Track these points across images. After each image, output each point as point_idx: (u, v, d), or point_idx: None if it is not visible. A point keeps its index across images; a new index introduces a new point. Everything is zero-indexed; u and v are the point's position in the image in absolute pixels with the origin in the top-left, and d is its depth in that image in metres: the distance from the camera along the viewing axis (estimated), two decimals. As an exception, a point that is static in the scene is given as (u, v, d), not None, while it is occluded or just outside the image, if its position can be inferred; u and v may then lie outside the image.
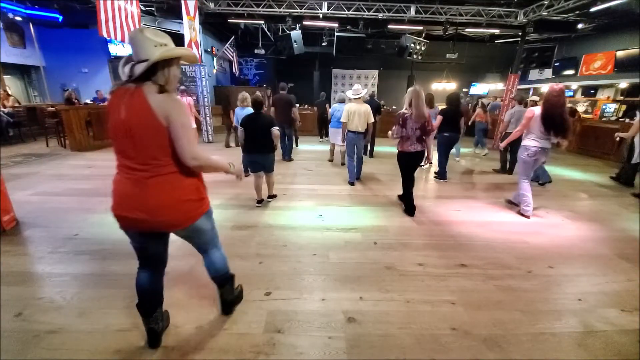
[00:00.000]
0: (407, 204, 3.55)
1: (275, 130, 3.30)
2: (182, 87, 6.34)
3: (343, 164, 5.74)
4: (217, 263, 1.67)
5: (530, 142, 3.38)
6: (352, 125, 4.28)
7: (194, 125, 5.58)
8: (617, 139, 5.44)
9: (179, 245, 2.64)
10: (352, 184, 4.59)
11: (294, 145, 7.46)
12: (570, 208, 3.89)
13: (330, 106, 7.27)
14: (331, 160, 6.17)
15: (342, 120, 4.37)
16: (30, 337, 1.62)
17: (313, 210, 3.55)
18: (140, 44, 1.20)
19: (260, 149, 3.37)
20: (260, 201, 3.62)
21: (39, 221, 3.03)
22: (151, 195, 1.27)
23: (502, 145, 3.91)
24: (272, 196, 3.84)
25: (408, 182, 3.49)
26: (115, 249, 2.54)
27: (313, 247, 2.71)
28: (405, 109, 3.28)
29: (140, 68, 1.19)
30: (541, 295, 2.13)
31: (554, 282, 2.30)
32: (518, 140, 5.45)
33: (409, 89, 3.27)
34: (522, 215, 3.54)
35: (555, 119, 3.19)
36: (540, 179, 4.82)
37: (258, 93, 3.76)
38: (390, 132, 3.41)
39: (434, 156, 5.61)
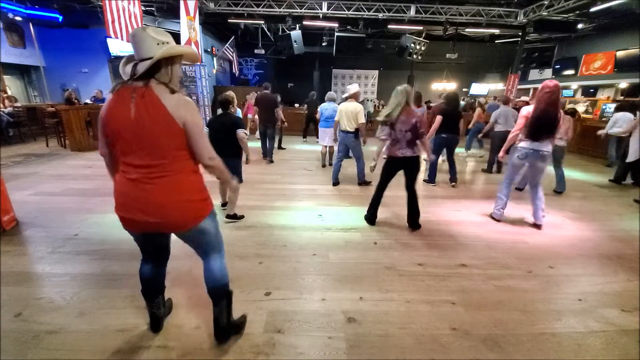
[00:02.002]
0: (370, 214, 3.24)
1: (241, 132, 2.88)
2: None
3: (331, 164, 5.58)
4: (216, 272, 1.52)
5: (522, 144, 3.11)
6: (341, 124, 4.29)
7: None
8: (602, 136, 5.45)
9: (179, 245, 2.64)
10: (334, 184, 4.54)
11: (276, 146, 7.31)
12: (570, 208, 3.89)
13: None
14: (324, 166, 5.69)
15: (335, 119, 4.39)
16: (30, 338, 1.62)
17: (313, 210, 3.55)
18: (142, 42, 1.20)
19: (221, 152, 2.54)
20: (224, 204, 3.35)
21: (38, 221, 3.03)
22: (157, 195, 1.26)
23: (501, 154, 3.37)
24: (231, 216, 3.13)
25: (381, 192, 3.16)
26: (115, 249, 2.54)
27: (313, 247, 2.70)
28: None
29: (143, 66, 1.19)
30: (541, 295, 2.13)
31: (554, 282, 2.30)
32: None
33: (398, 88, 2.91)
34: (492, 217, 3.42)
35: (542, 120, 2.88)
36: (557, 187, 4.52)
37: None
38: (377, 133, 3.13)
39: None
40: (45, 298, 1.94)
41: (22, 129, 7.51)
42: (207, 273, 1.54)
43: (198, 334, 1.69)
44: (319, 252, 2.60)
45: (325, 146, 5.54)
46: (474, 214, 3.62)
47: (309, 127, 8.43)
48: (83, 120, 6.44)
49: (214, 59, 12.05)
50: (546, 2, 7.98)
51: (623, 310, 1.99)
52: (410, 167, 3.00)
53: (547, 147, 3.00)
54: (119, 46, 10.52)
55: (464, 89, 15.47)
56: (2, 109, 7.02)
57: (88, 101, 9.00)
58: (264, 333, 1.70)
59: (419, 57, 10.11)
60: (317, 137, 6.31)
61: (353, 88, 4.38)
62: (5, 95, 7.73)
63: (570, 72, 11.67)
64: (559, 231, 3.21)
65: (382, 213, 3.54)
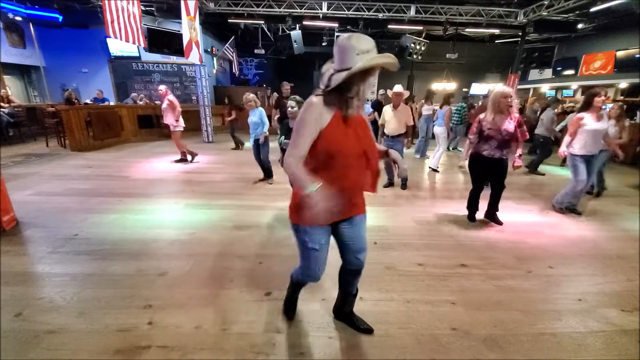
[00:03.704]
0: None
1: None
2: (162, 86, 5.54)
3: None
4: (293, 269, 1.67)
5: None
6: None
7: (179, 128, 5.37)
8: None
9: (176, 245, 2.65)
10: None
11: None
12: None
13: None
14: None
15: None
16: (30, 337, 1.62)
17: (313, 210, 3.54)
18: (342, 51, 1.14)
19: None
20: None
21: (39, 221, 3.03)
22: None
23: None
24: None
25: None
26: (115, 249, 2.55)
27: (313, 247, 2.70)
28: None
29: (337, 78, 1.14)
30: (541, 295, 2.13)
31: (554, 282, 2.30)
32: (545, 143, 5.47)
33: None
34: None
35: None
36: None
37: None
38: None
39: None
40: (45, 298, 1.94)
41: (22, 129, 7.52)
42: None
43: (198, 333, 1.69)
44: (319, 252, 2.60)
45: None
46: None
47: None
48: (83, 120, 6.45)
49: (214, 59, 12.05)
50: (546, 2, 7.98)
51: (623, 310, 1.99)
52: None
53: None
54: (119, 46, 10.52)
55: (464, 89, 15.46)
56: (2, 109, 7.02)
57: (88, 101, 9.01)
58: (264, 333, 1.70)
59: (419, 57, 10.10)
60: None
61: (394, 89, 4.13)
62: (4, 91, 7.75)
63: (570, 72, 11.66)
64: (559, 231, 3.21)
65: (382, 214, 3.54)
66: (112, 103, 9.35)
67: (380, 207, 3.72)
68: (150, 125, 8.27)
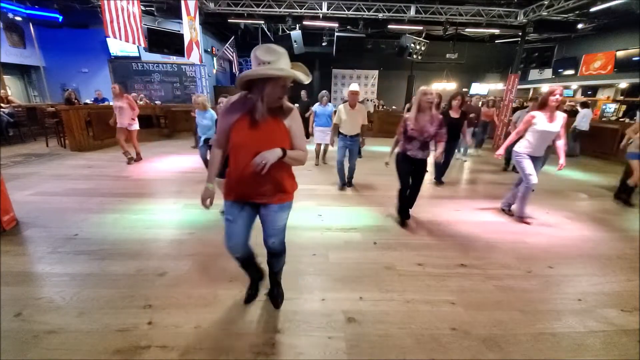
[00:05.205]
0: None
1: None
2: (115, 85, 5.45)
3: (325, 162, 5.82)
4: None
5: None
6: None
7: (136, 126, 5.48)
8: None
9: (176, 245, 2.65)
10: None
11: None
12: (570, 208, 3.88)
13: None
14: (317, 164, 5.78)
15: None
16: (30, 337, 1.62)
17: (313, 210, 3.54)
18: (251, 59, 1.33)
19: None
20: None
21: (38, 221, 3.03)
22: None
23: None
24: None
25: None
26: (115, 249, 2.54)
27: (313, 247, 2.70)
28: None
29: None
30: (541, 295, 2.13)
31: (553, 282, 2.30)
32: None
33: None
34: None
35: None
36: None
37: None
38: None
39: None
40: (45, 298, 1.94)
41: (22, 129, 7.51)
42: None
43: (197, 333, 1.69)
44: (319, 252, 2.60)
45: (320, 144, 5.68)
46: (475, 213, 3.62)
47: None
48: (83, 120, 6.44)
49: (214, 59, 12.05)
50: (546, 2, 7.98)
51: (623, 310, 1.99)
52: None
53: None
54: (119, 46, 10.53)
55: (464, 89, 15.46)
56: (2, 109, 7.03)
57: (88, 101, 9.01)
58: (264, 333, 1.70)
59: (419, 57, 10.10)
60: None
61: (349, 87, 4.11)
62: (4, 91, 7.76)
63: (570, 72, 11.66)
64: (559, 231, 3.21)
65: (381, 213, 3.54)
66: (112, 103, 9.34)
67: (379, 207, 3.72)
68: (150, 125, 8.27)
